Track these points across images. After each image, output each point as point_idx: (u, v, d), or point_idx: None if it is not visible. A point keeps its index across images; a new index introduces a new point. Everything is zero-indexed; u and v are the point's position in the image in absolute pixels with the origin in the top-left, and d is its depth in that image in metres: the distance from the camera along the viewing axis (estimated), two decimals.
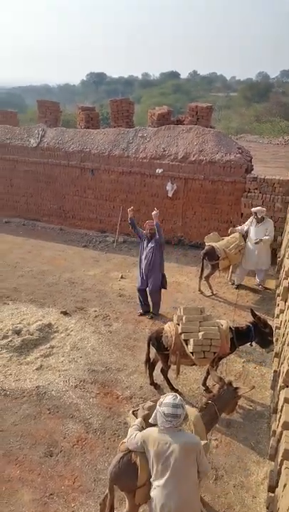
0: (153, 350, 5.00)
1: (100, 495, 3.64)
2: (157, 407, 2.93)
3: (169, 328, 4.83)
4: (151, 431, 2.96)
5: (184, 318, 4.73)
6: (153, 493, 2.92)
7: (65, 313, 6.95)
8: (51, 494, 3.86)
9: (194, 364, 4.86)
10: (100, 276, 8.48)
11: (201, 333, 4.59)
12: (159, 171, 9.61)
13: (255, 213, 7.49)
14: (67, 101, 36.84)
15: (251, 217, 7.67)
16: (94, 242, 10.45)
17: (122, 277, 8.43)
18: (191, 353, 4.61)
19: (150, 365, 5.16)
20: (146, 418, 3.25)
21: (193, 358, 4.64)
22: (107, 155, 10.13)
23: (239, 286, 7.90)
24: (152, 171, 9.70)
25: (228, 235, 7.76)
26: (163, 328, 4.92)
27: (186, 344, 4.65)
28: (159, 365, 5.14)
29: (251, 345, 5.03)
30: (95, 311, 7.07)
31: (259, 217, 7.46)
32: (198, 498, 3.02)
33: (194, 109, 10.71)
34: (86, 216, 10.96)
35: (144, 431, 3.03)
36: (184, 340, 4.66)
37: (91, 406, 4.93)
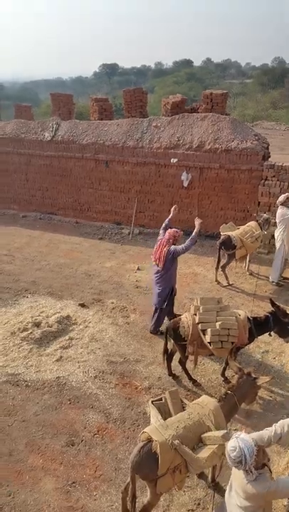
0: (171, 341, 5.00)
1: (121, 484, 3.68)
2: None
3: (186, 318, 4.81)
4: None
5: (201, 308, 4.70)
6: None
7: (82, 305, 7.01)
8: (73, 483, 3.93)
9: (212, 354, 4.83)
10: (117, 268, 8.50)
11: (218, 323, 4.55)
12: (173, 160, 9.50)
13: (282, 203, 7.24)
14: (80, 93, 36.74)
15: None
16: (110, 234, 10.47)
17: (138, 269, 8.43)
18: (209, 343, 4.58)
19: (168, 356, 5.17)
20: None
21: (211, 348, 4.61)
22: (121, 146, 10.07)
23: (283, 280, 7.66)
24: (167, 160, 9.60)
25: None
26: (180, 319, 4.90)
27: (204, 334, 4.62)
28: (177, 356, 5.14)
29: (270, 335, 4.96)
30: (112, 302, 7.10)
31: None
32: None
33: (209, 97, 10.51)
34: (101, 208, 10.97)
35: None
36: (202, 330, 4.64)
37: (110, 396, 4.98)
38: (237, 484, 2.65)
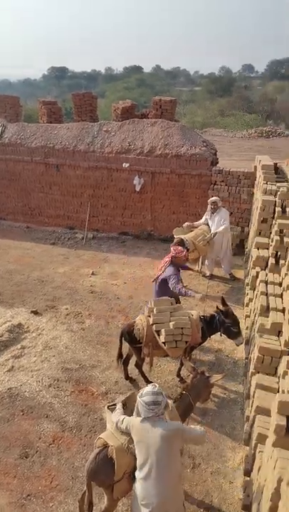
0: (126, 345, 4.99)
1: (79, 492, 3.60)
2: (138, 398, 2.93)
3: (140, 320, 4.83)
4: (135, 420, 2.95)
5: (154, 309, 4.74)
6: (136, 485, 2.90)
7: (35, 312, 6.81)
8: (28, 495, 3.79)
9: (167, 355, 4.89)
10: (70, 274, 8.37)
11: (172, 323, 4.62)
12: (125, 165, 9.56)
13: (211, 204, 7.65)
14: (28, 96, 35.89)
15: (208, 208, 7.80)
16: (62, 239, 10.29)
17: (92, 273, 8.35)
18: (164, 343, 4.63)
19: (125, 359, 5.16)
20: (125, 403, 3.30)
21: (165, 348, 4.66)
22: (71, 150, 9.96)
23: (211, 277, 8.03)
24: (119, 165, 9.63)
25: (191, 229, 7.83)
26: (134, 322, 4.92)
27: (158, 335, 4.67)
28: (133, 360, 5.14)
29: (221, 335, 5.10)
30: (67, 308, 6.97)
31: (212, 207, 7.62)
32: (180, 491, 3.01)
33: (158, 103, 10.72)
34: (53, 213, 10.76)
35: (130, 418, 3.02)
36: (156, 331, 4.68)
37: (66, 404, 4.87)
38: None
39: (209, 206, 7.72)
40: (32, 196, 10.80)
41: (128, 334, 4.85)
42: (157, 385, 2.96)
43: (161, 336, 4.63)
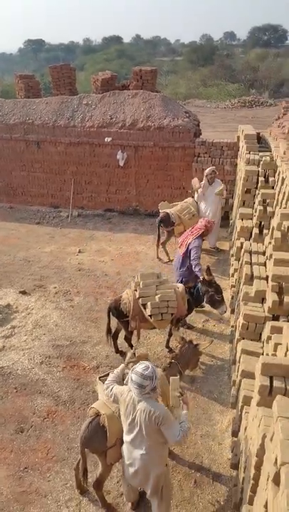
0: (114, 320, 5.06)
1: (74, 462, 3.72)
2: (130, 371, 2.93)
3: (127, 295, 4.90)
4: (123, 390, 2.99)
5: (141, 283, 4.81)
6: (123, 446, 3.06)
7: (23, 292, 6.81)
8: (25, 468, 3.91)
9: (154, 327, 4.98)
10: (57, 252, 8.33)
11: (157, 296, 4.70)
12: (107, 139, 9.38)
13: (210, 173, 7.58)
14: (5, 71, 34.51)
15: (204, 180, 7.74)
16: (47, 218, 10.17)
17: (79, 251, 8.33)
18: (150, 316, 4.71)
19: (114, 334, 5.24)
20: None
21: (152, 320, 4.75)
22: (51, 125, 9.71)
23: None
24: (101, 140, 9.45)
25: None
26: (121, 297, 4.97)
27: (144, 308, 4.75)
28: (122, 334, 5.22)
29: (202, 306, 5.17)
30: (55, 287, 6.98)
31: (211, 177, 7.57)
32: (163, 455, 3.09)
33: (138, 74, 10.43)
34: (36, 192, 10.58)
35: (119, 388, 3.04)
36: (142, 304, 4.75)
37: (58, 380, 4.96)
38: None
39: (205, 179, 7.60)
40: (13, 175, 10.57)
41: (115, 309, 4.91)
42: (150, 366, 2.85)
43: (147, 309, 4.71)
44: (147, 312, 4.71)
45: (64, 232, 9.31)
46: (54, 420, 4.41)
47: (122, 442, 3.09)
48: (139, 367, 2.86)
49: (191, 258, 5.54)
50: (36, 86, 11.41)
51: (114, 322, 5.13)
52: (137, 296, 4.78)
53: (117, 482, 3.74)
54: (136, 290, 4.84)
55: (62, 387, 4.84)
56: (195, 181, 7.84)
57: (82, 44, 73.35)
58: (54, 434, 4.25)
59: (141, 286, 4.79)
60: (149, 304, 4.69)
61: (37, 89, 11.41)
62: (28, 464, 3.95)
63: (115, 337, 5.27)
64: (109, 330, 5.13)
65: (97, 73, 11.74)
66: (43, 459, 4.00)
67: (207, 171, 7.64)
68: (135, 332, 5.00)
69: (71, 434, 4.23)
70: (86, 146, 9.64)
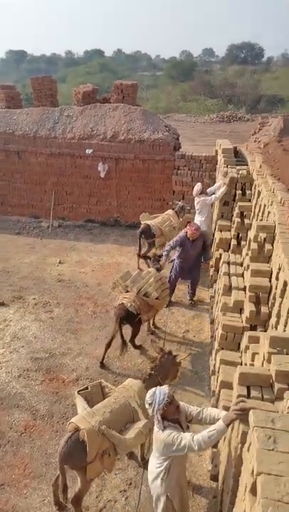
0: (109, 329, 5.13)
1: (53, 478, 3.64)
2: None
3: (126, 298, 5.10)
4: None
5: (128, 282, 5.20)
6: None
7: (1, 303, 6.70)
8: (2, 485, 3.80)
9: (156, 312, 5.62)
10: (37, 263, 8.25)
11: (151, 280, 5.24)
12: (88, 151, 9.43)
13: (176, 211, 7.88)
14: None
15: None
16: (27, 228, 10.08)
17: (60, 262, 8.27)
18: (157, 298, 5.17)
19: (109, 342, 5.21)
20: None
21: (158, 303, 5.28)
22: (32, 136, 9.69)
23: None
24: (82, 151, 9.49)
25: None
26: (122, 304, 5.08)
27: (148, 297, 5.16)
28: (115, 342, 5.18)
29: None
30: (34, 298, 6.90)
31: (178, 214, 7.91)
32: (166, 482, 2.89)
33: (119, 87, 10.59)
34: (17, 202, 10.48)
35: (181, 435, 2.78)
36: (144, 295, 5.15)
37: (37, 393, 4.87)
38: (154, 439, 2.81)
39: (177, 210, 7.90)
40: None
41: (126, 315, 5.02)
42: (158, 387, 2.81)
43: (152, 295, 5.14)
44: (153, 296, 5.14)
45: (44, 243, 9.24)
46: (32, 435, 4.32)
47: (102, 457, 3.06)
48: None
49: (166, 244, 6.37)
50: (17, 97, 11.41)
51: (107, 331, 5.24)
52: (136, 292, 5.13)
53: (96, 497, 3.68)
54: (127, 291, 5.19)
55: (41, 400, 4.76)
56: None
57: (65, 56, 73.74)
58: (32, 449, 4.15)
59: (129, 284, 5.20)
60: (150, 289, 5.16)
61: (18, 99, 11.41)
62: (5, 480, 3.84)
63: (109, 345, 5.25)
64: (124, 340, 5.07)
65: (79, 86, 11.84)
66: (20, 475, 3.90)
67: (176, 208, 7.95)
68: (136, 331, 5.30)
69: (49, 449, 4.15)
70: (67, 158, 9.66)
